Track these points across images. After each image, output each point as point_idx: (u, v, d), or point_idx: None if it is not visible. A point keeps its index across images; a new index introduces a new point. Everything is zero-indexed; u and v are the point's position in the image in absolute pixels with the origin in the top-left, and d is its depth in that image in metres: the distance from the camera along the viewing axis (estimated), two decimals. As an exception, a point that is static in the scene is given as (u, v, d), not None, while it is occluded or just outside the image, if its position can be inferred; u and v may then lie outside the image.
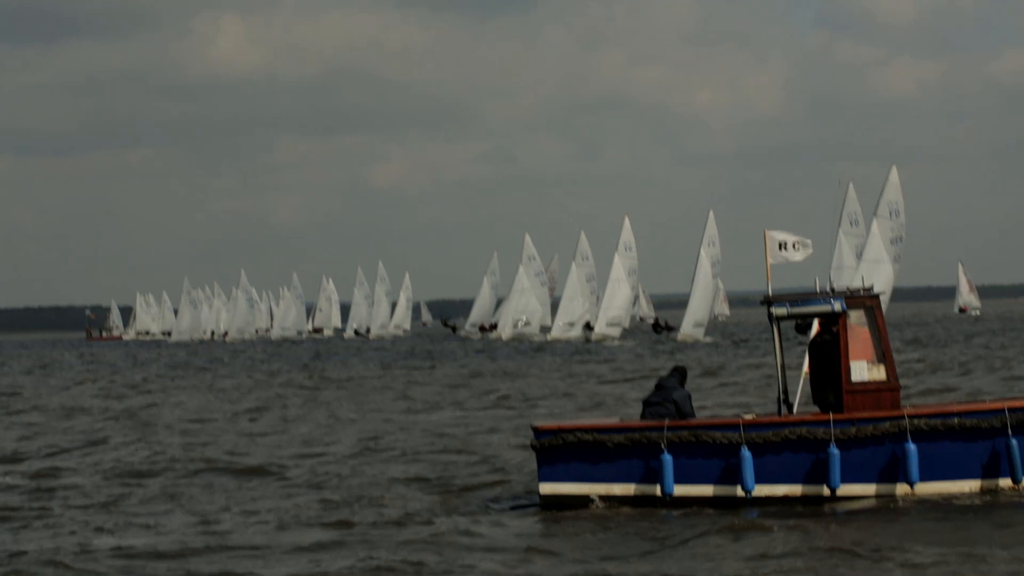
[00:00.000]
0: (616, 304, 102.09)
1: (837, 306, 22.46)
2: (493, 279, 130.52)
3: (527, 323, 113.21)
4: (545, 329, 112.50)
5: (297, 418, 41.01)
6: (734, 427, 22.07)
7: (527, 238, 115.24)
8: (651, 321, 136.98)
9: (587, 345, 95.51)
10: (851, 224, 51.16)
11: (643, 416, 22.77)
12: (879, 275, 48.79)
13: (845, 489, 21.85)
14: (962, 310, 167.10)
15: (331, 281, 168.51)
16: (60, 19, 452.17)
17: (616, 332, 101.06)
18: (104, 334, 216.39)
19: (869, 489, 21.95)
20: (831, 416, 21.99)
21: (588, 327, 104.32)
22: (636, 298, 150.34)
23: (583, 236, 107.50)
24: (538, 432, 22.54)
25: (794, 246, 23.44)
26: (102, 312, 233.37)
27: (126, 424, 40.59)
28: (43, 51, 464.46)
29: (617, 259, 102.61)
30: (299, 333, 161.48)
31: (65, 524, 22.36)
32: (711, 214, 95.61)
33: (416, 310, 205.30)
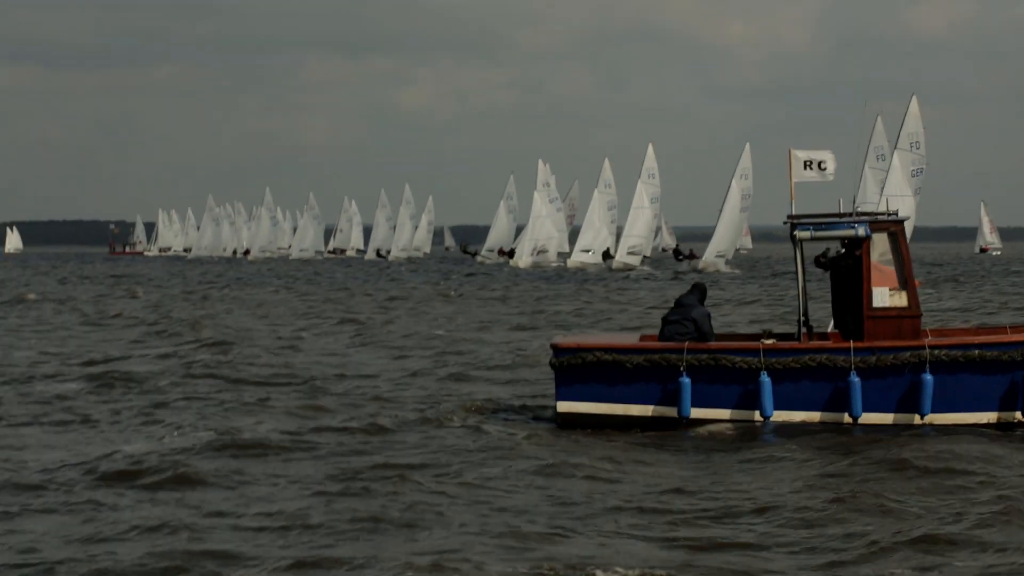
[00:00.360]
0: (636, 231, 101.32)
1: (861, 231, 22.18)
2: (510, 203, 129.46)
3: (544, 250, 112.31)
4: (563, 255, 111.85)
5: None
6: (754, 352, 21.86)
7: (540, 164, 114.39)
8: (672, 248, 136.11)
9: (607, 272, 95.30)
10: (877, 159, 50.41)
11: (662, 334, 22.54)
12: (900, 208, 48.08)
13: (867, 417, 21.66)
14: (983, 250, 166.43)
15: (353, 203, 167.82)
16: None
17: (636, 260, 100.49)
18: (127, 249, 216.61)
19: (888, 418, 21.75)
20: (851, 344, 21.77)
21: (608, 255, 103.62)
22: (659, 228, 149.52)
23: (606, 163, 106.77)
24: (558, 350, 22.33)
25: (819, 165, 23.08)
26: (125, 227, 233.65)
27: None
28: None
29: (640, 186, 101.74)
30: (317, 253, 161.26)
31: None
32: (747, 146, 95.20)
33: (439, 234, 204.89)
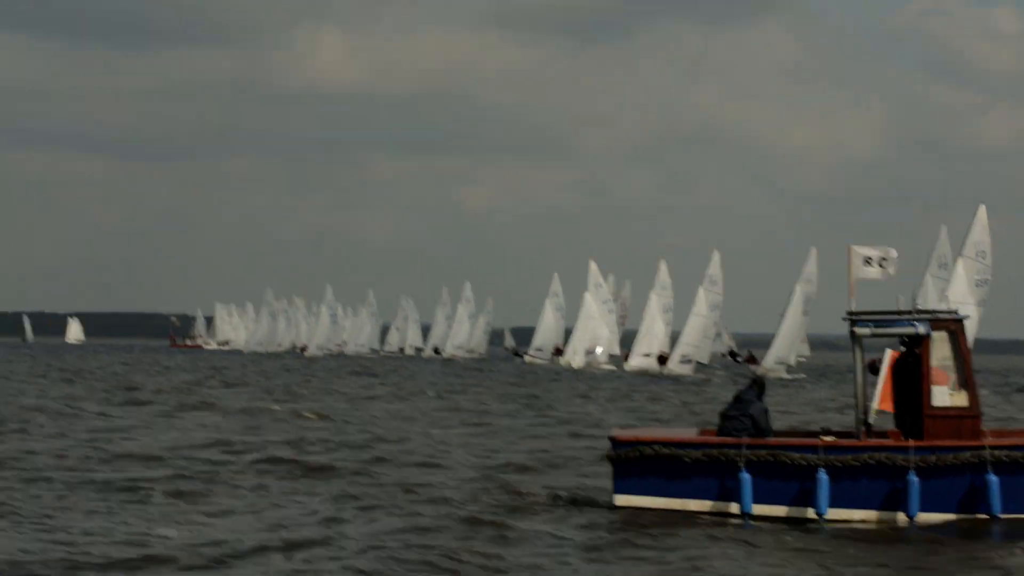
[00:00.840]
0: (690, 339, 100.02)
1: (921, 328, 22.06)
2: (556, 301, 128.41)
3: (598, 352, 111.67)
4: (615, 358, 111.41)
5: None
6: (812, 449, 21.74)
7: (592, 265, 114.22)
8: (729, 351, 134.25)
9: (660, 377, 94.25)
10: (939, 267, 49.48)
11: (720, 429, 22.49)
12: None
13: (923, 518, 21.46)
14: None
15: (411, 301, 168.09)
16: (165, 27, 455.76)
17: (689, 369, 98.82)
18: (188, 342, 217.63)
19: (948, 518, 21.54)
20: (911, 443, 21.61)
21: (662, 359, 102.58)
22: (719, 333, 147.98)
23: (663, 265, 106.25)
24: (616, 443, 22.30)
25: (880, 261, 22.95)
26: (186, 320, 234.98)
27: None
28: (147, 57, 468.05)
29: (701, 292, 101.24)
30: (373, 351, 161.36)
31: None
32: (813, 251, 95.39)
33: (499, 335, 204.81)
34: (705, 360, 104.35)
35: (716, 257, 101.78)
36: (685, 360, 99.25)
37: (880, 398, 24.74)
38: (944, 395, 21.92)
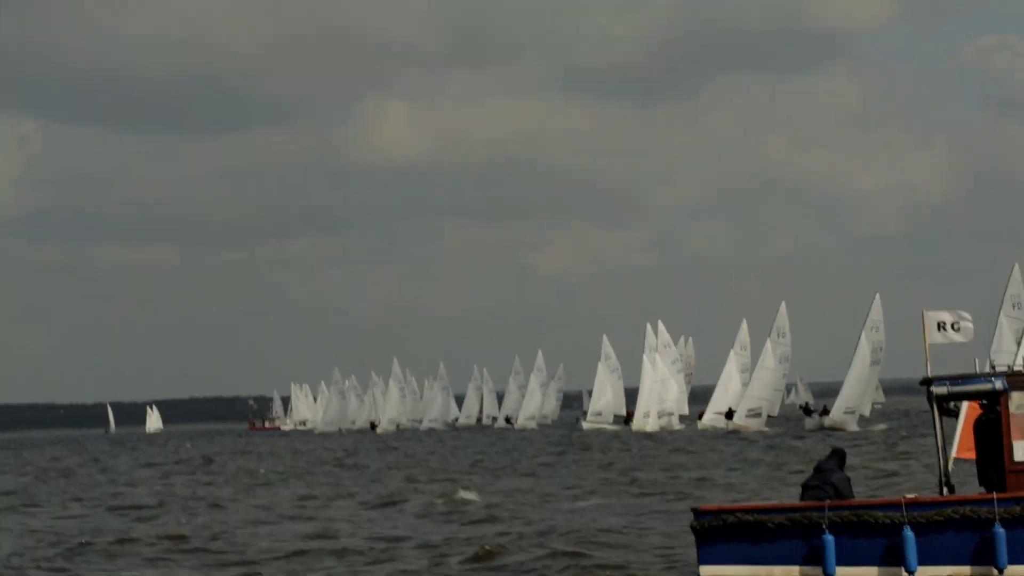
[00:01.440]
0: (757, 392, 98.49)
1: (998, 384, 21.91)
2: (610, 363, 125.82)
3: (670, 412, 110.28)
4: (684, 418, 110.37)
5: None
6: (896, 507, 21.54)
7: (651, 327, 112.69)
8: (803, 405, 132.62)
9: (726, 433, 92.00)
10: (1013, 307, 48.41)
11: (802, 499, 22.31)
12: None
13: (1012, 570, 21.20)
14: None
15: (485, 370, 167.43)
16: (227, 110, 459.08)
17: (755, 423, 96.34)
18: (267, 424, 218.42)
19: (1036, 570, 21.28)
20: (995, 495, 21.38)
21: (729, 414, 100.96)
22: (794, 385, 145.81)
23: (744, 325, 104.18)
24: (699, 513, 22.19)
25: (953, 326, 22.87)
26: (264, 402, 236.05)
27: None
28: (210, 141, 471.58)
29: (768, 345, 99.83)
30: (446, 425, 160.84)
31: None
32: (876, 297, 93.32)
33: (577, 399, 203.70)
34: (775, 413, 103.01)
35: (783, 309, 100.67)
36: (754, 414, 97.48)
37: (958, 447, 24.52)
38: (1026, 449, 21.70)
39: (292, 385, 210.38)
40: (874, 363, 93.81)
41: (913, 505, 21.54)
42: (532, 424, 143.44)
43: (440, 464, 67.59)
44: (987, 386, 22.00)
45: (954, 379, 22.26)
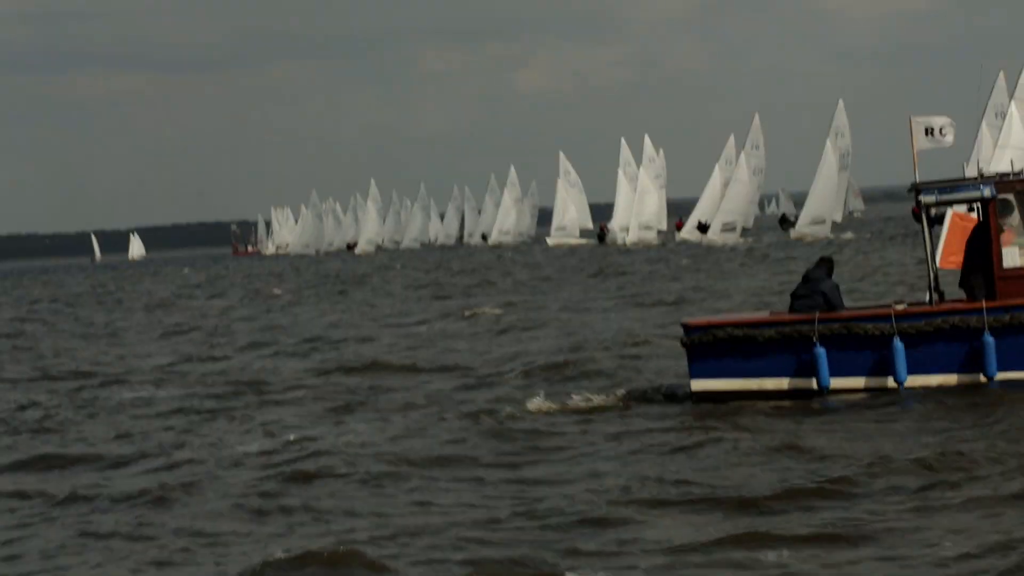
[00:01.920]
0: (731, 206, 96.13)
1: (987, 191, 21.39)
2: (570, 178, 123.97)
3: (648, 226, 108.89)
4: (662, 233, 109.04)
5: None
6: (886, 318, 21.15)
7: (645, 139, 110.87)
8: (780, 216, 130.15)
9: (698, 248, 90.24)
10: (996, 116, 46.65)
11: (791, 309, 21.92)
12: (1003, 163, 43.71)
13: (1002, 376, 20.87)
14: None
15: (466, 189, 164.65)
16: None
17: (730, 238, 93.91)
18: (250, 248, 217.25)
19: (1025, 376, 20.95)
20: (984, 304, 20.98)
21: (702, 228, 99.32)
22: (776, 195, 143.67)
23: (731, 140, 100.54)
24: (688, 329, 21.78)
25: (940, 131, 22.33)
26: (247, 226, 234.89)
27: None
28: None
29: (742, 157, 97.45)
30: (423, 244, 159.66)
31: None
32: (840, 103, 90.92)
33: (548, 215, 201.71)
34: (749, 226, 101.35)
35: (756, 121, 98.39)
36: (729, 228, 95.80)
37: (942, 257, 24.03)
38: (1015, 256, 21.27)
39: (273, 209, 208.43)
40: (842, 168, 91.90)
41: (902, 316, 21.17)
42: (508, 239, 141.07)
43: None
44: (975, 193, 21.51)
45: (943, 187, 21.77)
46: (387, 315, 46.07)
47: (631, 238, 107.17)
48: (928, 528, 13.75)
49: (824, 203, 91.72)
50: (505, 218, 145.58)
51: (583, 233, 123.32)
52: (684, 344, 21.76)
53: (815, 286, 21.87)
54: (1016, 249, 21.33)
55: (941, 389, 21.01)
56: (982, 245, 21.56)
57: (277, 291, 69.18)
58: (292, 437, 20.53)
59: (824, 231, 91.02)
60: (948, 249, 24.11)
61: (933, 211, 22.16)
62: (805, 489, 15.59)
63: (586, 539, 13.93)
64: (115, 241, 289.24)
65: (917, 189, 21.81)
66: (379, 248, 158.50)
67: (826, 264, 22.37)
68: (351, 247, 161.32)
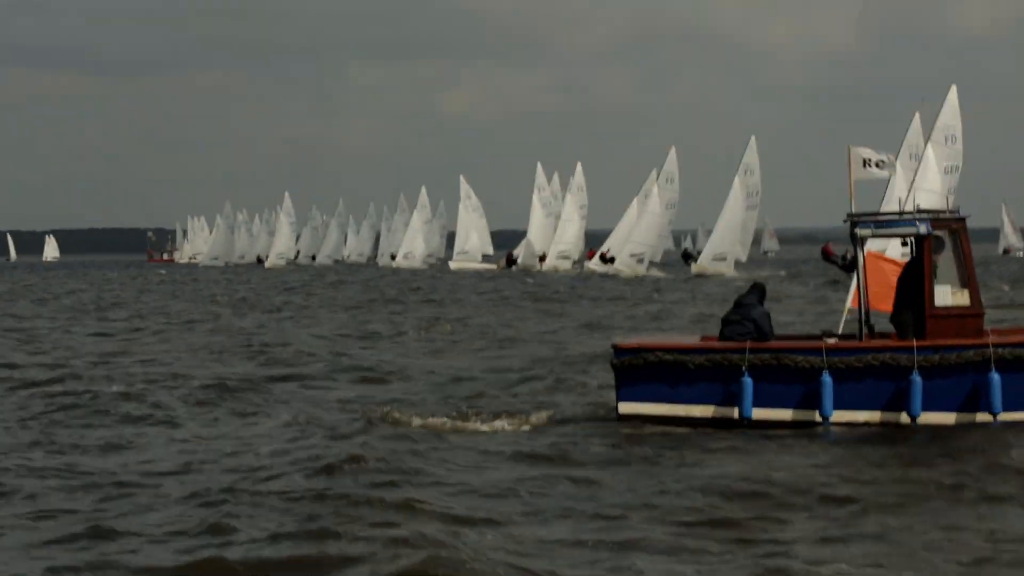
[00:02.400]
0: (641, 237, 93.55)
1: (923, 228, 20.84)
2: (471, 203, 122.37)
3: (566, 255, 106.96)
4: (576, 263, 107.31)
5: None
6: (816, 352, 20.49)
7: (578, 167, 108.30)
8: (683, 251, 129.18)
9: (603, 279, 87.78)
10: (910, 157, 46.34)
11: (721, 334, 21.29)
12: (928, 206, 42.65)
13: (926, 417, 20.26)
14: (1006, 251, 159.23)
15: (385, 207, 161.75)
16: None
17: (638, 268, 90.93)
18: (165, 256, 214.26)
19: (950, 418, 20.34)
20: (915, 343, 20.40)
21: (606, 258, 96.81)
22: (691, 233, 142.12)
23: (653, 174, 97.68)
24: (619, 351, 21.01)
25: (878, 163, 21.82)
26: (163, 234, 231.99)
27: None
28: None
29: (655, 190, 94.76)
30: (335, 261, 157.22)
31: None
32: (752, 140, 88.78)
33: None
34: (658, 259, 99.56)
35: (672, 154, 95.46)
36: (637, 259, 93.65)
37: (854, 294, 23.42)
38: (946, 295, 20.71)
39: (189, 218, 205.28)
40: (750, 207, 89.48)
41: (832, 351, 20.57)
42: (416, 263, 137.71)
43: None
44: (911, 229, 20.98)
45: (879, 222, 21.28)
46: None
47: (547, 264, 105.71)
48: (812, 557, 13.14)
49: (727, 240, 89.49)
50: (413, 240, 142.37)
51: (485, 258, 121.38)
52: (614, 366, 21.00)
53: (746, 312, 21.24)
54: (948, 288, 20.79)
55: (866, 425, 20.38)
56: (914, 282, 21.03)
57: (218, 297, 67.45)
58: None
59: (727, 268, 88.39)
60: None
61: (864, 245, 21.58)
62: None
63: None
64: (30, 242, 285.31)
65: (853, 221, 21.28)
66: (290, 263, 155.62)
67: (758, 290, 21.78)
68: (261, 261, 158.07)
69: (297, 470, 17.18)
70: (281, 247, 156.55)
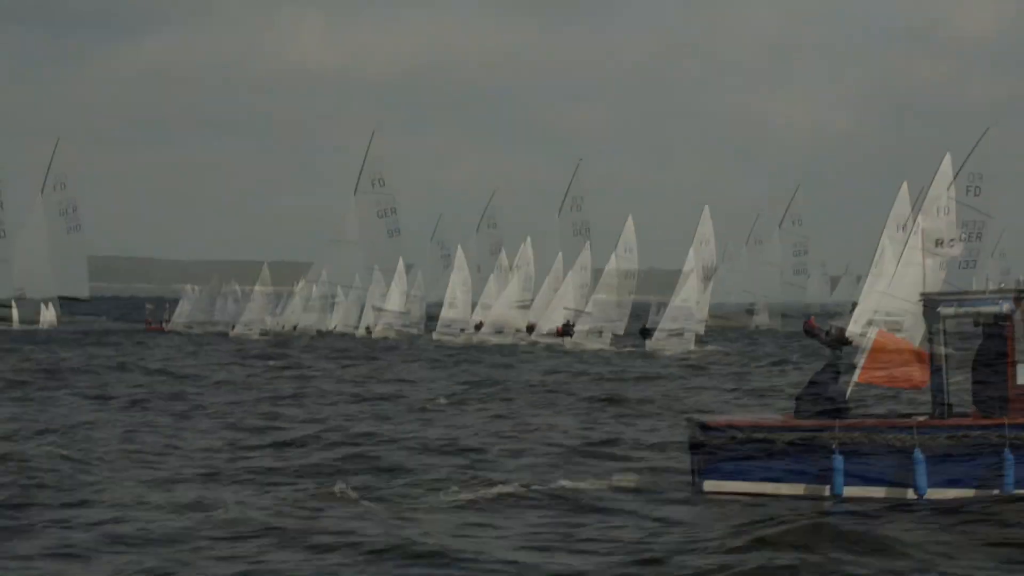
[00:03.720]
0: (598, 311, 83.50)
1: (1005, 307, 18.96)
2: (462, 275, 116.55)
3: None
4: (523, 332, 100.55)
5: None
6: (907, 429, 18.54)
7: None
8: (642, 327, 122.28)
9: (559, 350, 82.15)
10: (897, 229, 43.66)
11: (797, 411, 19.32)
12: (907, 279, 38.09)
13: (1020, 492, 18.30)
14: None
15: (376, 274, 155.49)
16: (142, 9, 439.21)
17: (596, 341, 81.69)
18: (163, 325, 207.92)
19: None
20: (1006, 420, 18.47)
21: (565, 331, 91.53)
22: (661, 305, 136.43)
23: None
24: (706, 428, 18.91)
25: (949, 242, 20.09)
26: (160, 303, 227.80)
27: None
28: (131, 43, 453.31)
29: (613, 258, 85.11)
30: (318, 331, 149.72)
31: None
32: (706, 209, 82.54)
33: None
34: (620, 332, 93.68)
35: (629, 223, 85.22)
36: (595, 332, 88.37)
37: (863, 371, 21.30)
38: (1025, 373, 18.82)
39: (185, 286, 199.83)
40: (706, 278, 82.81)
41: (923, 428, 18.63)
42: (391, 333, 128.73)
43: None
44: (994, 308, 19.10)
45: (962, 300, 19.38)
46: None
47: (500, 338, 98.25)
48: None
49: (683, 314, 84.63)
50: (392, 308, 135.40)
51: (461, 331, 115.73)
52: (699, 444, 18.88)
53: (821, 390, 19.32)
54: (1026, 366, 18.88)
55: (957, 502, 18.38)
56: (994, 360, 19.07)
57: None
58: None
59: (684, 344, 77.61)
60: (870, 364, 21.34)
61: (942, 324, 19.58)
62: None
63: None
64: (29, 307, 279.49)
65: (931, 300, 19.39)
66: (263, 333, 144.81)
67: (832, 368, 19.84)
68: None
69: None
70: (251, 316, 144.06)
